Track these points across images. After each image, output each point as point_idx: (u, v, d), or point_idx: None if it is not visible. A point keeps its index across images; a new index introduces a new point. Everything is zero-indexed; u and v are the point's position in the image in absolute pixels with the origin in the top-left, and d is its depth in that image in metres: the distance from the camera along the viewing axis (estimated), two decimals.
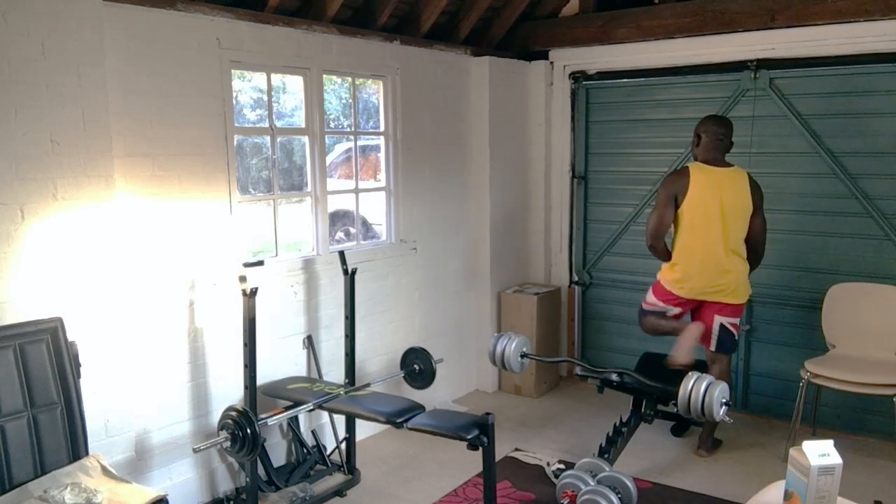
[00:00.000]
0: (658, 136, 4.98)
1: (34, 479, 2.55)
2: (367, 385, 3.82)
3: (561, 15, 5.23)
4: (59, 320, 2.72)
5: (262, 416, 3.35)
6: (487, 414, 3.07)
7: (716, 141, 3.88)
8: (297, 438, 3.93)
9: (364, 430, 4.29)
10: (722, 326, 3.95)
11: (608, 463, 3.63)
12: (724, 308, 3.94)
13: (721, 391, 3.23)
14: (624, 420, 3.96)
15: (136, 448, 3.23)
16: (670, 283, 3.97)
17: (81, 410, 2.73)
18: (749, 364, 4.77)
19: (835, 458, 1.82)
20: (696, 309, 4.03)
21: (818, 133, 4.40)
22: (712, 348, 3.99)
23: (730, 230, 3.84)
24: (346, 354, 3.99)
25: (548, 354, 5.17)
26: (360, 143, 4.46)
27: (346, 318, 3.97)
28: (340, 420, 4.06)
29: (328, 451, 4.03)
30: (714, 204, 3.81)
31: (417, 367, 4.06)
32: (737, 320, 3.99)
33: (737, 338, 4.04)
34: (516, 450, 4.26)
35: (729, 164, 3.93)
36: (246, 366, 3.42)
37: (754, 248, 3.97)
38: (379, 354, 4.50)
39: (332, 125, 4.42)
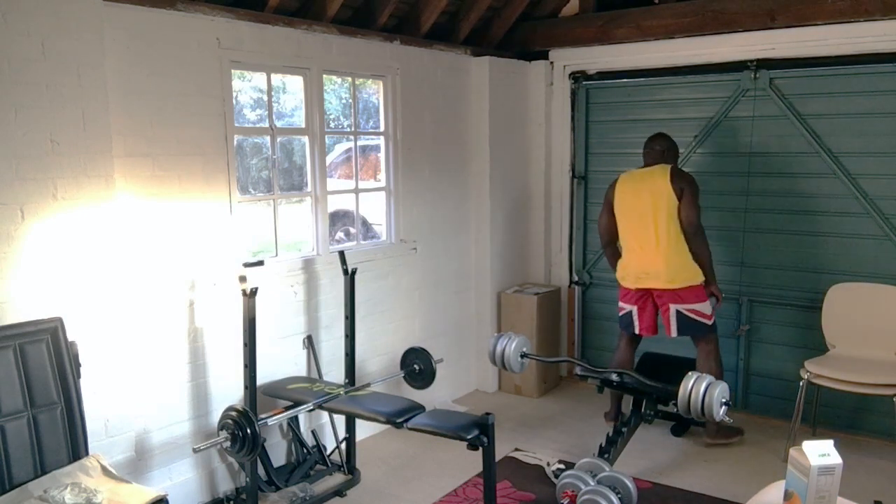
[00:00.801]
0: None
1: (34, 479, 2.55)
2: (367, 385, 3.82)
3: (561, 15, 5.23)
4: (59, 320, 2.72)
5: (262, 416, 3.35)
6: (487, 414, 3.07)
7: (646, 153, 4.30)
8: (297, 438, 3.93)
9: (364, 430, 4.29)
10: (678, 313, 4.08)
11: (608, 463, 3.63)
12: (673, 296, 4.07)
13: (721, 391, 3.23)
14: (624, 420, 3.96)
15: (136, 448, 3.23)
16: (619, 279, 4.34)
17: (81, 410, 2.73)
18: (749, 364, 4.77)
19: (835, 458, 1.82)
20: (657, 306, 4.20)
21: (818, 133, 4.40)
22: (673, 334, 4.14)
23: (652, 219, 4.07)
24: (346, 354, 3.99)
25: (548, 354, 5.17)
26: (360, 143, 4.46)
27: (346, 318, 3.97)
28: (340, 420, 4.06)
29: (328, 451, 4.03)
30: (633, 198, 4.17)
31: (417, 367, 4.06)
32: (696, 306, 4.07)
33: (706, 322, 4.10)
34: (516, 450, 4.26)
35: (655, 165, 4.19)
36: (246, 366, 3.42)
37: (689, 240, 4.07)
38: (379, 354, 4.50)
39: (332, 125, 4.42)
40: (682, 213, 4.04)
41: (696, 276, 4.07)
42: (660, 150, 4.23)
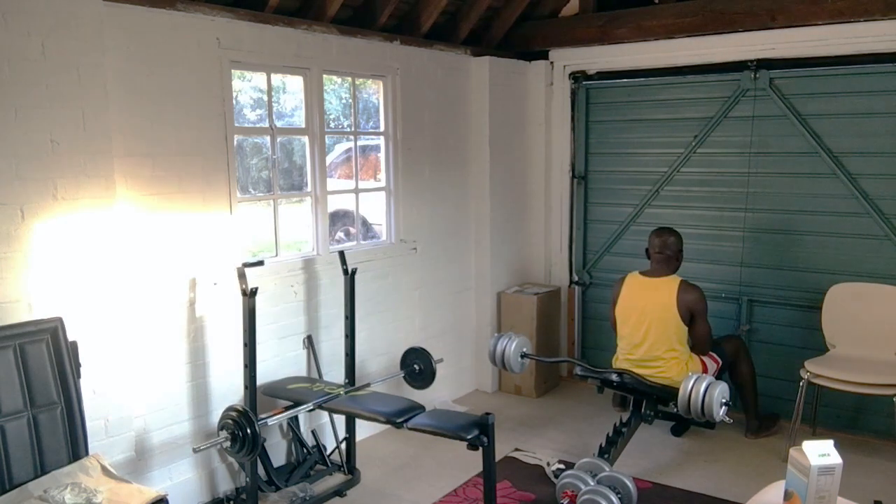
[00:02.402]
0: (658, 136, 4.98)
1: (34, 479, 2.55)
2: (367, 385, 3.82)
3: (561, 15, 5.23)
4: (59, 320, 2.72)
5: (262, 416, 3.35)
6: (487, 414, 3.07)
7: (655, 254, 3.99)
8: (297, 438, 3.93)
9: (364, 430, 4.29)
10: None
11: (608, 463, 3.63)
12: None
13: (721, 391, 3.24)
14: (624, 420, 3.96)
15: (136, 448, 3.24)
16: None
17: (81, 410, 2.73)
18: None
19: (835, 458, 1.83)
20: None
21: (818, 133, 4.40)
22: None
23: (650, 334, 3.87)
24: (346, 354, 3.99)
25: (548, 354, 5.17)
26: (360, 143, 4.46)
27: (346, 318, 3.97)
28: (340, 420, 4.06)
29: (328, 451, 4.03)
30: (634, 310, 3.95)
31: (417, 367, 4.06)
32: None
33: (718, 366, 4.09)
34: (516, 450, 4.26)
35: (665, 275, 3.94)
36: (246, 366, 3.42)
37: (697, 349, 4.00)
38: (379, 354, 4.50)
39: (332, 125, 4.42)
40: (694, 332, 3.91)
41: (695, 368, 3.91)
42: (671, 254, 3.95)
